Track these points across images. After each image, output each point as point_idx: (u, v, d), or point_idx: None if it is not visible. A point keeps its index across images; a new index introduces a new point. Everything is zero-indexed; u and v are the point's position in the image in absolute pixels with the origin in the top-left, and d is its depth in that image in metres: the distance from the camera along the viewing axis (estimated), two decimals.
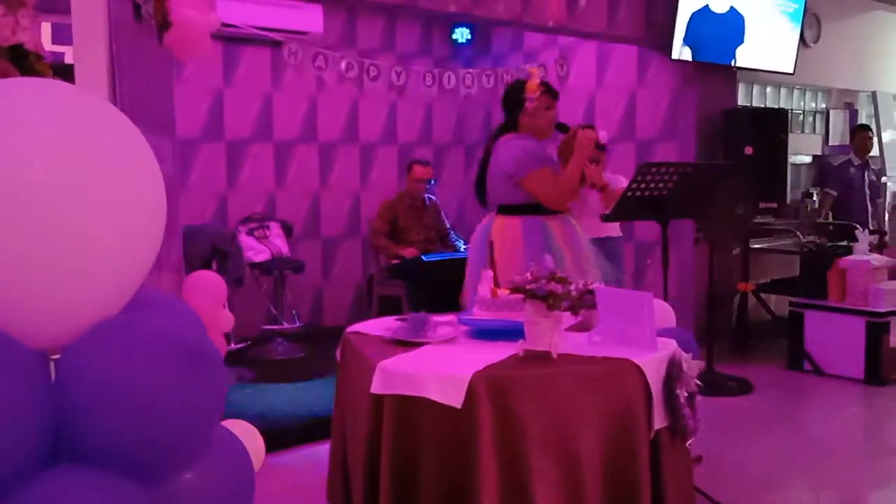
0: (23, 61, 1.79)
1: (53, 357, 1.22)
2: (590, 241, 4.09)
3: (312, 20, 5.91)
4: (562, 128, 3.44)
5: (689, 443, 2.30)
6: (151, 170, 1.30)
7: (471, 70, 5.65)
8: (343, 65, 5.04)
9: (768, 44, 6.06)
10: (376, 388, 2.14)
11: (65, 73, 2.18)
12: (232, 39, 5.92)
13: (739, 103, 6.40)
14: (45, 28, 2.21)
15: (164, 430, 1.15)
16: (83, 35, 1.99)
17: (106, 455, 1.13)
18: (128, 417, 1.12)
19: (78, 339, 1.18)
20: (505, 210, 3.44)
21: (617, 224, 4.31)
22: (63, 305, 1.19)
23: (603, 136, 6.51)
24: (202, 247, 5.27)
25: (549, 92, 3.51)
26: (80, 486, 1.09)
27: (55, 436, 1.13)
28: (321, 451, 3.17)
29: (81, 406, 1.13)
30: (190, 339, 1.21)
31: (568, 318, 2.53)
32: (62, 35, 2.39)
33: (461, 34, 7.35)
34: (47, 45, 1.98)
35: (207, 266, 5.24)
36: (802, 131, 7.30)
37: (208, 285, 2.98)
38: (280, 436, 3.84)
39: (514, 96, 3.50)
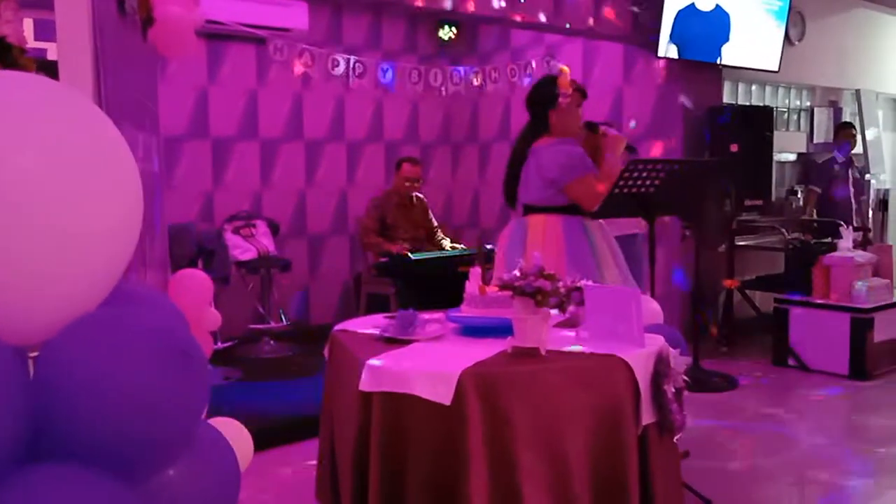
0: (6, 54, 1.77)
1: (32, 354, 1.21)
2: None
3: (298, 17, 5.88)
4: (591, 127, 3.41)
5: (676, 438, 2.31)
6: (127, 164, 1.29)
7: (458, 67, 5.65)
8: (329, 61, 5.03)
9: (753, 42, 6.09)
10: (365, 385, 2.14)
11: (48, 69, 2.16)
12: (217, 36, 5.88)
13: (725, 101, 6.43)
14: (28, 24, 2.19)
15: (147, 428, 1.13)
16: (67, 31, 1.97)
17: (88, 453, 1.12)
18: (109, 415, 1.11)
19: (58, 336, 1.17)
20: (538, 210, 3.43)
21: (640, 221, 4.31)
22: (39, 300, 1.17)
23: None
24: (188, 245, 5.24)
25: (580, 90, 3.50)
26: (62, 484, 1.08)
27: (35, 434, 1.12)
28: (309, 449, 3.17)
29: (62, 404, 1.11)
30: (173, 335, 1.20)
31: (556, 315, 2.54)
32: (45, 31, 2.37)
33: (447, 31, 7.34)
34: (30, 41, 1.96)
35: (193, 265, 5.21)
36: (787, 129, 7.34)
37: (194, 284, 2.96)
38: (268, 434, 3.82)
39: (546, 92, 3.43)
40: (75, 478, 1.10)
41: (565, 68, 3.57)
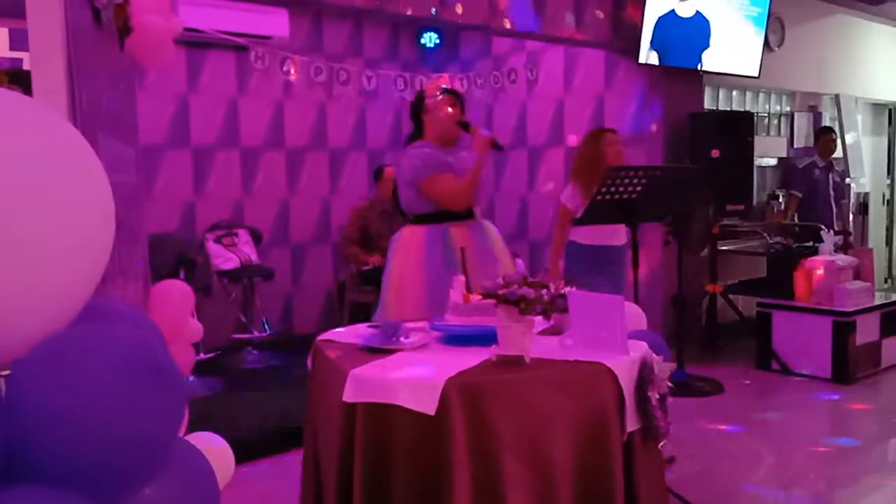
0: None
1: (3, 373, 1.18)
2: (589, 248, 4.11)
3: (278, 25, 5.85)
4: (465, 126, 3.45)
5: (661, 444, 2.30)
6: (97, 179, 1.26)
7: (443, 74, 5.64)
8: (312, 69, 5.00)
9: (733, 48, 6.13)
10: (348, 396, 2.11)
11: (23, 79, 2.14)
12: (196, 44, 5.85)
13: (706, 107, 6.47)
14: (3, 33, 2.17)
15: (121, 448, 1.11)
16: (39, 41, 1.95)
17: (60, 474, 1.09)
18: (80, 436, 1.09)
19: (29, 355, 1.14)
20: (416, 219, 3.46)
21: (621, 231, 4.31)
22: (6, 318, 1.15)
23: (572, 140, 6.57)
24: (169, 255, 5.20)
25: (451, 93, 3.56)
26: None
27: (6, 455, 1.09)
28: (293, 460, 3.14)
29: (32, 424, 1.09)
30: (145, 351, 1.18)
31: (540, 323, 2.52)
32: (20, 41, 2.34)
33: (429, 38, 7.33)
34: (4, 51, 1.93)
35: (174, 275, 5.16)
36: (768, 134, 7.39)
37: (175, 294, 2.93)
38: (252, 446, 3.79)
39: (417, 101, 3.58)
40: (46, 500, 1.07)
41: (444, 76, 3.68)
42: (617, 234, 4.33)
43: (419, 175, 3.38)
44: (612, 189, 3.57)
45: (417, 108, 3.56)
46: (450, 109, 3.47)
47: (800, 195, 6.84)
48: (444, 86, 3.61)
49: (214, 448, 2.09)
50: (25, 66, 2.22)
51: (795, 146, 7.54)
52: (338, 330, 2.82)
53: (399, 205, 3.59)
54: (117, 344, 1.20)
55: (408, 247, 3.41)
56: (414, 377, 2.12)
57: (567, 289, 2.48)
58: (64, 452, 1.11)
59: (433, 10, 4.70)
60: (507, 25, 5.17)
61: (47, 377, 1.13)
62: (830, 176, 6.89)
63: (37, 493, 1.10)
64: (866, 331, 5.28)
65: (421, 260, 3.35)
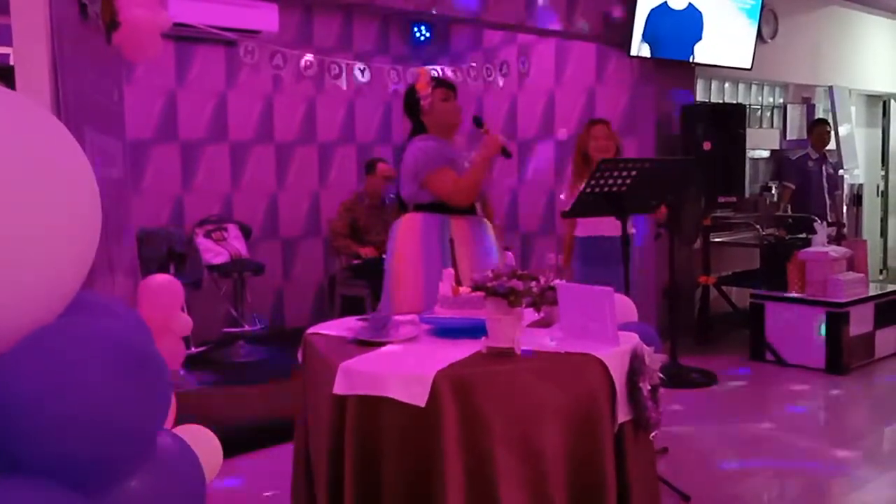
0: None
1: None
2: (580, 239, 4.09)
3: (267, 19, 5.83)
4: (477, 122, 3.43)
5: (652, 435, 2.30)
6: (83, 172, 1.25)
7: (435, 67, 5.62)
8: (303, 63, 4.97)
9: (726, 40, 6.12)
10: (338, 388, 2.10)
11: (8, 74, 2.12)
12: (184, 39, 5.82)
13: (698, 99, 6.46)
14: None
15: (106, 440, 1.11)
16: (23, 35, 1.93)
17: (45, 466, 1.09)
18: (63, 428, 1.08)
19: (14, 348, 1.13)
20: (417, 207, 3.45)
21: (614, 224, 4.29)
22: None
23: (563, 133, 6.55)
24: (158, 250, 5.18)
25: (443, 84, 3.53)
26: (16, 496, 1.04)
27: None
28: (284, 453, 3.12)
29: (15, 416, 1.08)
30: (129, 345, 1.17)
31: (530, 315, 2.52)
32: (5, 36, 2.31)
33: (420, 32, 7.31)
34: None
35: (164, 269, 5.15)
36: (760, 126, 7.39)
37: (164, 289, 2.92)
38: (243, 439, 3.78)
39: (410, 100, 3.52)
40: (31, 491, 1.06)
41: (423, 70, 3.67)
42: (612, 225, 4.30)
43: (423, 169, 3.35)
44: (602, 182, 3.55)
45: (412, 106, 3.51)
46: (444, 102, 3.44)
47: (793, 187, 6.84)
48: (433, 76, 3.55)
49: (202, 440, 2.08)
50: (11, 62, 2.20)
51: (788, 138, 7.54)
52: (328, 323, 2.81)
53: (400, 197, 3.58)
54: (102, 337, 1.19)
55: (405, 234, 3.40)
56: (404, 369, 2.11)
57: (556, 281, 2.48)
58: (48, 445, 1.10)
59: (433, 11, 4.69)
60: (498, 18, 5.15)
61: (32, 370, 1.13)
62: (824, 167, 6.89)
63: (22, 484, 1.09)
64: (859, 322, 5.28)
65: (418, 248, 3.33)
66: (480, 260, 3.31)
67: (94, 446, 1.11)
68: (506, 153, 3.35)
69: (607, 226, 4.12)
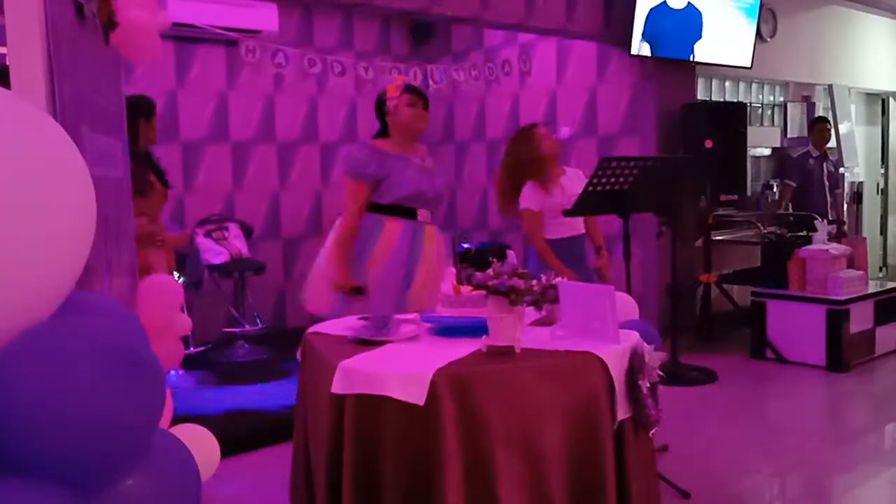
0: None
1: None
2: (552, 241, 4.08)
3: (267, 19, 5.83)
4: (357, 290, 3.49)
5: (651, 433, 2.30)
6: (78, 172, 1.25)
7: (437, 66, 5.60)
8: (305, 62, 4.96)
9: (726, 39, 6.12)
10: (337, 387, 2.10)
11: (3, 74, 2.11)
12: (184, 39, 5.81)
13: (698, 98, 6.45)
14: None
15: (100, 439, 1.10)
16: (18, 35, 1.92)
17: (39, 465, 1.08)
18: (57, 428, 1.08)
19: (7, 347, 1.13)
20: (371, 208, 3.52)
21: (578, 223, 4.25)
22: None
23: (565, 132, 6.54)
24: None
25: (414, 91, 3.61)
26: (9, 496, 1.04)
27: None
28: (284, 452, 3.12)
29: (9, 416, 1.08)
30: (123, 345, 1.17)
31: (532, 313, 2.52)
32: (2, 35, 2.31)
33: (421, 31, 7.30)
34: None
35: None
36: (761, 124, 7.38)
37: (164, 289, 2.91)
38: (243, 438, 3.79)
39: (379, 100, 3.64)
40: (25, 491, 1.06)
41: (400, 77, 3.86)
42: (577, 224, 4.25)
43: (344, 169, 3.49)
44: (604, 180, 3.55)
45: (380, 109, 3.60)
46: (410, 108, 3.52)
47: (794, 185, 6.83)
48: (407, 83, 3.66)
49: (198, 439, 2.07)
50: (6, 62, 2.20)
51: (789, 136, 7.54)
52: (328, 322, 2.81)
53: None
54: (95, 336, 1.19)
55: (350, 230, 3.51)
56: (403, 368, 2.11)
57: (557, 279, 2.48)
58: (42, 444, 1.10)
59: (433, 11, 4.67)
60: (499, 18, 5.14)
61: (25, 369, 1.12)
62: (825, 165, 6.88)
63: (16, 484, 1.09)
64: (860, 319, 5.28)
65: (357, 248, 3.47)
66: (395, 264, 3.43)
67: (87, 445, 1.11)
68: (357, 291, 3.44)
69: (568, 227, 4.11)
